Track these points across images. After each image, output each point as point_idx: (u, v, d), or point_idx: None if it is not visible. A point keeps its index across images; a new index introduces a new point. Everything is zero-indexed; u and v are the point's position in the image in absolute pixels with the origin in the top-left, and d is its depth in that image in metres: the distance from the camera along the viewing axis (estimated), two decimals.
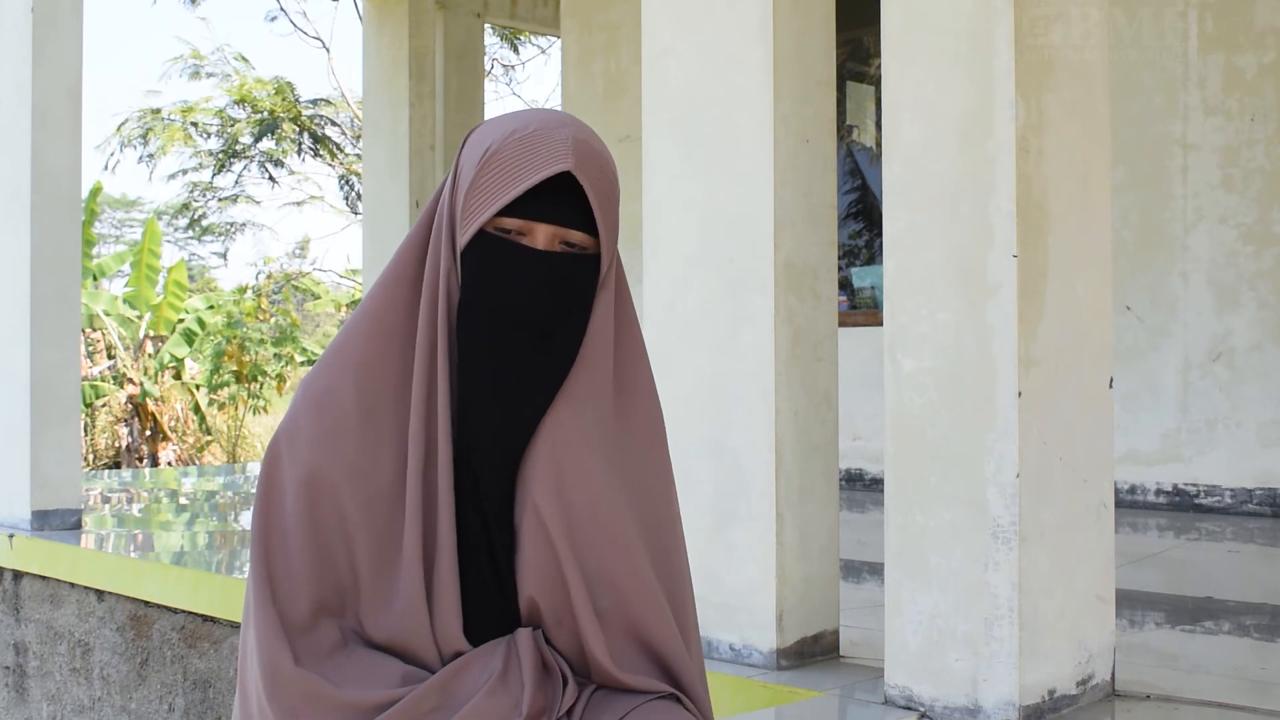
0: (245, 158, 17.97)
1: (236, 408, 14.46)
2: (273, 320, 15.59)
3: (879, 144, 5.48)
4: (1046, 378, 2.43)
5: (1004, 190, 2.38)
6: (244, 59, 17.81)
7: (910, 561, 2.49)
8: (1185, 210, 5.67)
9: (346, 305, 17.56)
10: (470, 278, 1.24)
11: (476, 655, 1.24)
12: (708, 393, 2.90)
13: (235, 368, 14.18)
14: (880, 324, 2.66)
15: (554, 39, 12.30)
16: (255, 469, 8.88)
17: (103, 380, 13.23)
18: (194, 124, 17.73)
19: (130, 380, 13.40)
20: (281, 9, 18.21)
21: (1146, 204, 5.73)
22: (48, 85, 5.06)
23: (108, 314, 13.53)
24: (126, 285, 14.45)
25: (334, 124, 17.94)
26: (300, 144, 17.58)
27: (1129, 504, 5.69)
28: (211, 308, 14.70)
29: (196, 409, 13.98)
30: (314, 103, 17.89)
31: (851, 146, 7.01)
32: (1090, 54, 2.57)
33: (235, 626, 4.06)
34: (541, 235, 1.23)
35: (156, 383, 13.59)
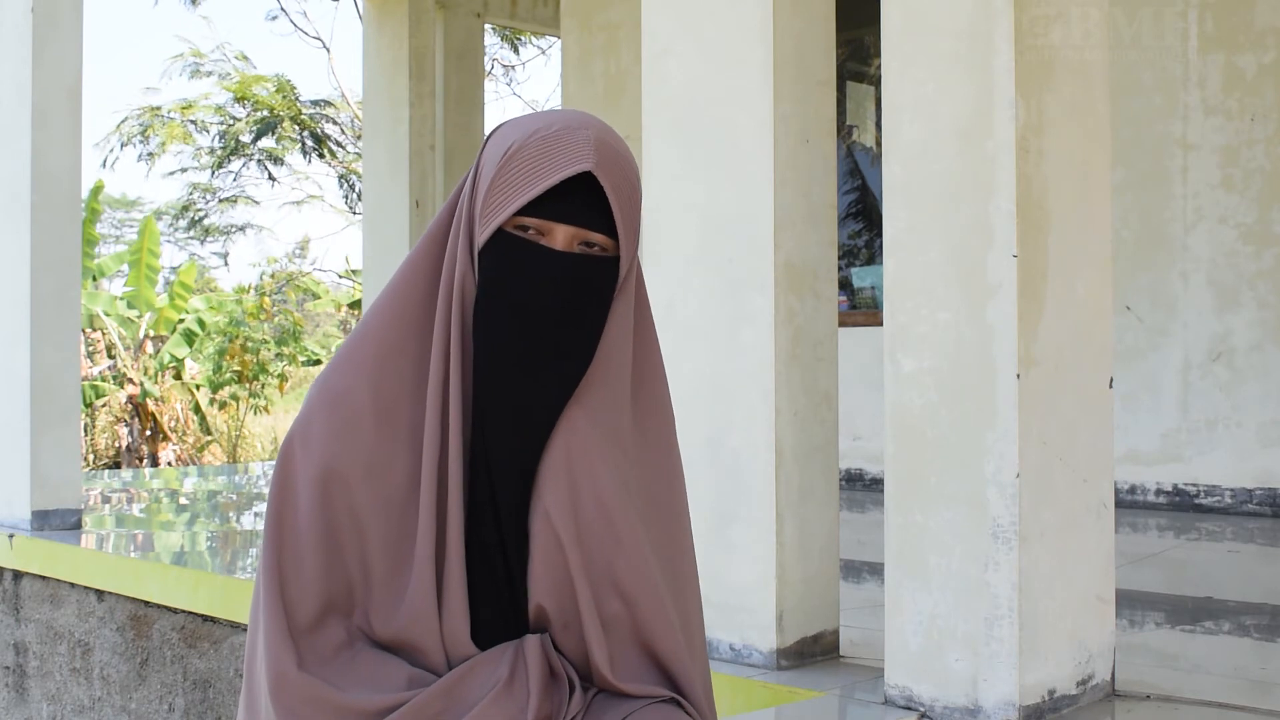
0: (245, 155, 17.97)
1: (237, 407, 14.46)
2: (275, 320, 15.59)
3: (879, 144, 5.48)
4: (1046, 378, 2.43)
5: (1004, 190, 2.38)
6: (244, 57, 17.82)
7: (910, 561, 2.49)
8: (1185, 210, 5.67)
9: (347, 305, 17.56)
10: (488, 276, 1.24)
11: (483, 660, 1.24)
12: (708, 393, 2.90)
13: (238, 367, 14.18)
14: (880, 324, 2.66)
15: (554, 39, 12.30)
16: (256, 469, 8.88)
17: (103, 380, 13.22)
18: (194, 121, 17.73)
19: (130, 380, 13.40)
20: (282, 9, 18.20)
21: (1146, 204, 5.73)
22: (48, 85, 5.06)
23: (108, 314, 13.52)
24: (126, 285, 14.44)
25: (334, 123, 17.94)
26: (303, 143, 17.58)
27: (1129, 504, 5.69)
28: (212, 308, 14.70)
29: (197, 409, 13.98)
30: (314, 103, 17.89)
31: (851, 146, 7.01)
32: (1090, 54, 2.57)
33: (235, 626, 4.06)
34: (560, 235, 1.22)
35: (157, 383, 13.59)
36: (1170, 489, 5.68)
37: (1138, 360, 5.70)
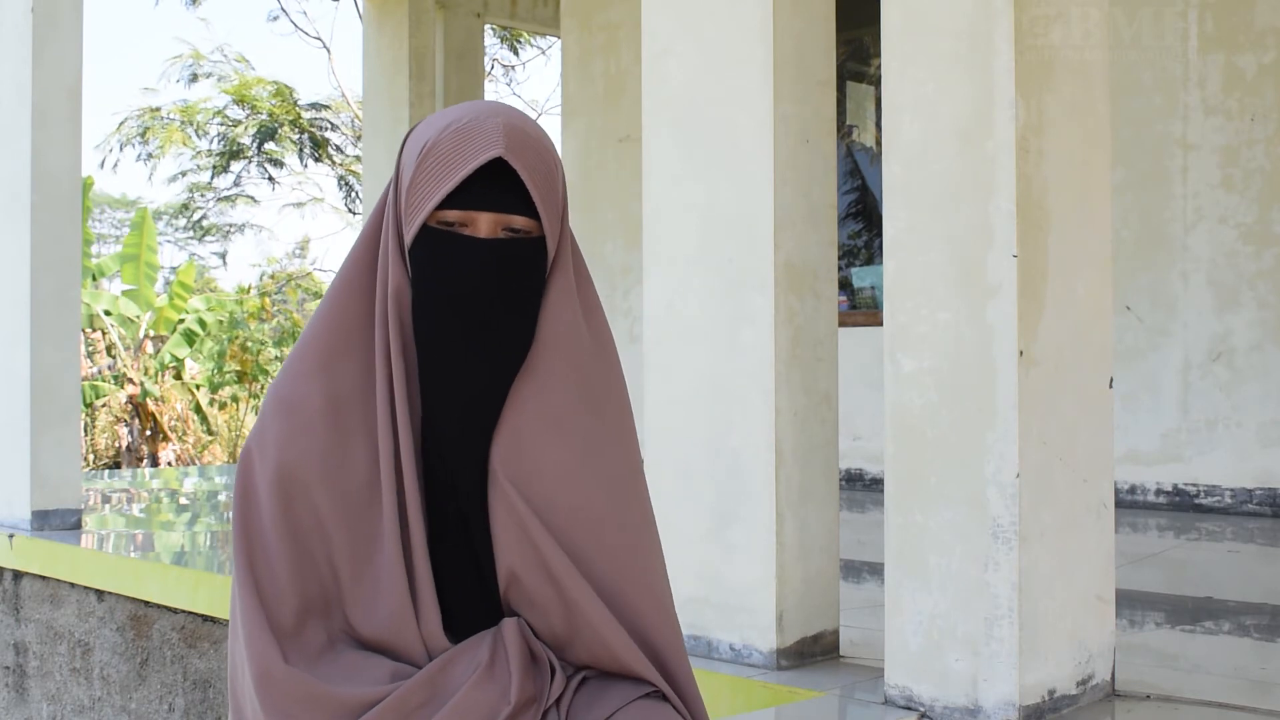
0: (245, 158, 17.97)
1: (238, 407, 14.46)
2: (276, 320, 15.59)
3: (879, 144, 5.48)
4: (1046, 378, 2.43)
5: (1004, 190, 2.38)
6: (244, 59, 17.82)
7: (910, 561, 2.49)
8: (1185, 210, 5.67)
9: None
10: (419, 272, 1.26)
11: (463, 648, 1.25)
12: (708, 393, 2.90)
13: (238, 367, 14.18)
14: (880, 324, 2.66)
15: (554, 39, 12.30)
16: None
17: (103, 380, 13.22)
18: (193, 124, 17.72)
19: (130, 380, 13.40)
20: (282, 9, 18.20)
21: (1146, 204, 5.73)
22: (48, 85, 5.06)
23: (108, 314, 13.52)
24: (124, 282, 14.43)
25: (334, 127, 17.94)
26: (301, 147, 17.59)
27: (1129, 504, 5.69)
28: (212, 308, 14.69)
29: (198, 409, 13.98)
30: (314, 106, 17.89)
31: (851, 146, 7.01)
32: (1090, 54, 2.57)
33: None
34: (483, 224, 1.24)
35: (157, 383, 13.59)
36: (1170, 489, 5.68)
37: (1138, 360, 5.70)
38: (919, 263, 2.50)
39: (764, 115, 2.82)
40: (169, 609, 4.31)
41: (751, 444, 2.81)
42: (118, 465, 13.21)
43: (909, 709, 2.46)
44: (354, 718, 1.21)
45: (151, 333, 14.06)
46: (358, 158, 17.63)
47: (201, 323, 14.04)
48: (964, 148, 2.44)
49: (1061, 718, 2.43)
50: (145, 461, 13.21)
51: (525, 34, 16.57)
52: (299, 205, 19.65)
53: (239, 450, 14.28)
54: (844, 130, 6.93)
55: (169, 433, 13.46)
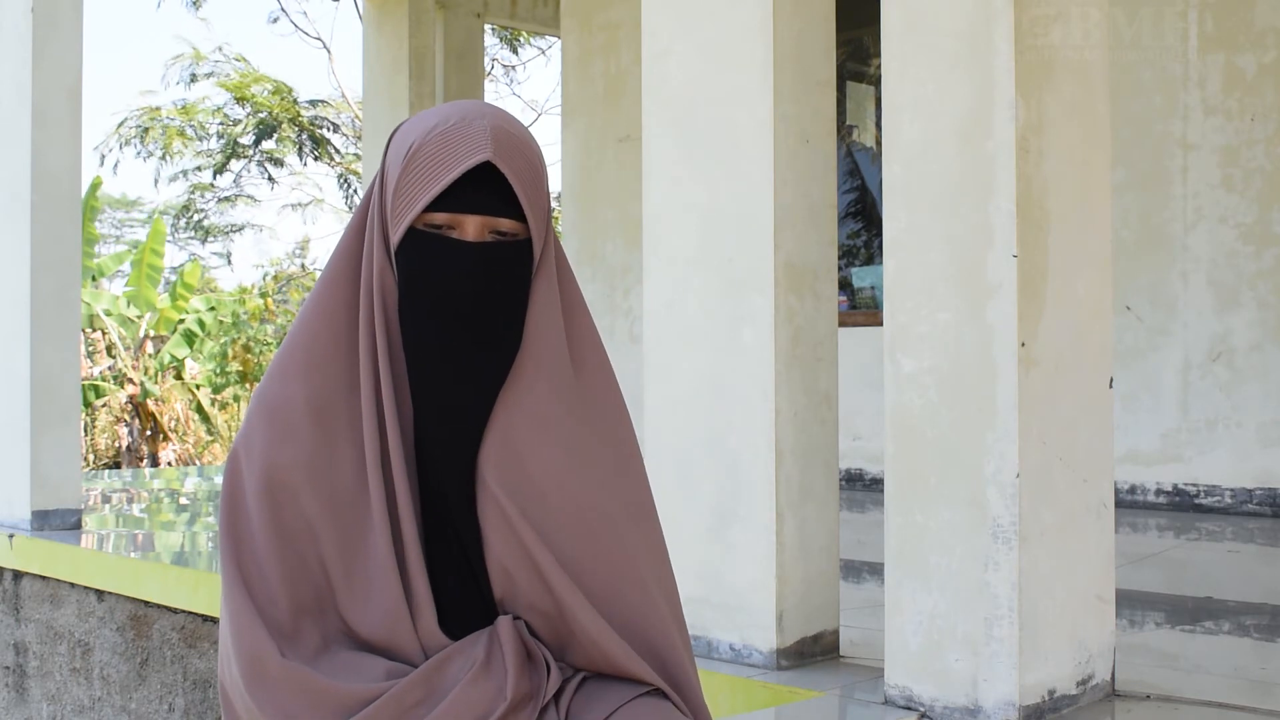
0: (245, 157, 17.97)
1: (239, 407, 14.46)
2: (278, 320, 15.59)
3: (879, 144, 5.48)
4: (1046, 378, 2.43)
5: (1004, 190, 2.38)
6: (243, 59, 17.82)
7: (910, 561, 2.49)
8: (1185, 210, 5.67)
9: None
10: (405, 275, 1.26)
11: (459, 647, 1.25)
12: (708, 393, 2.90)
13: (240, 367, 14.18)
14: (880, 324, 2.66)
15: (554, 39, 12.30)
16: None
17: (103, 380, 13.22)
18: (193, 124, 17.72)
19: (130, 380, 13.40)
20: (282, 9, 18.21)
21: (1146, 204, 5.73)
22: (48, 85, 5.06)
23: (108, 314, 13.52)
24: (127, 285, 14.44)
25: (333, 125, 17.93)
26: (300, 146, 17.58)
27: (1129, 504, 5.69)
28: (212, 308, 14.69)
29: (198, 409, 13.98)
30: (313, 104, 17.88)
31: (851, 146, 7.01)
32: (1090, 54, 2.57)
33: None
34: (470, 227, 1.24)
35: (157, 383, 13.59)
36: (1170, 489, 5.68)
37: (1138, 360, 5.70)
38: (919, 263, 2.50)
39: (764, 115, 2.82)
40: (169, 609, 4.31)
41: (751, 444, 2.81)
42: (118, 465, 13.21)
43: (909, 709, 2.46)
44: (350, 714, 1.20)
45: (152, 333, 14.06)
46: (357, 156, 17.63)
47: (201, 323, 14.03)
48: (964, 148, 2.44)
49: (1061, 718, 2.43)
50: (145, 461, 13.21)
51: (525, 34, 16.57)
52: (299, 206, 19.65)
53: None
54: (844, 130, 6.93)
55: (169, 433, 13.45)
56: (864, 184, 6.98)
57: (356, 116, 16.97)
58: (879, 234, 5.51)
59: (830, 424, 2.93)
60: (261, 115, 17.31)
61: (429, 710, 1.21)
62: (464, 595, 1.29)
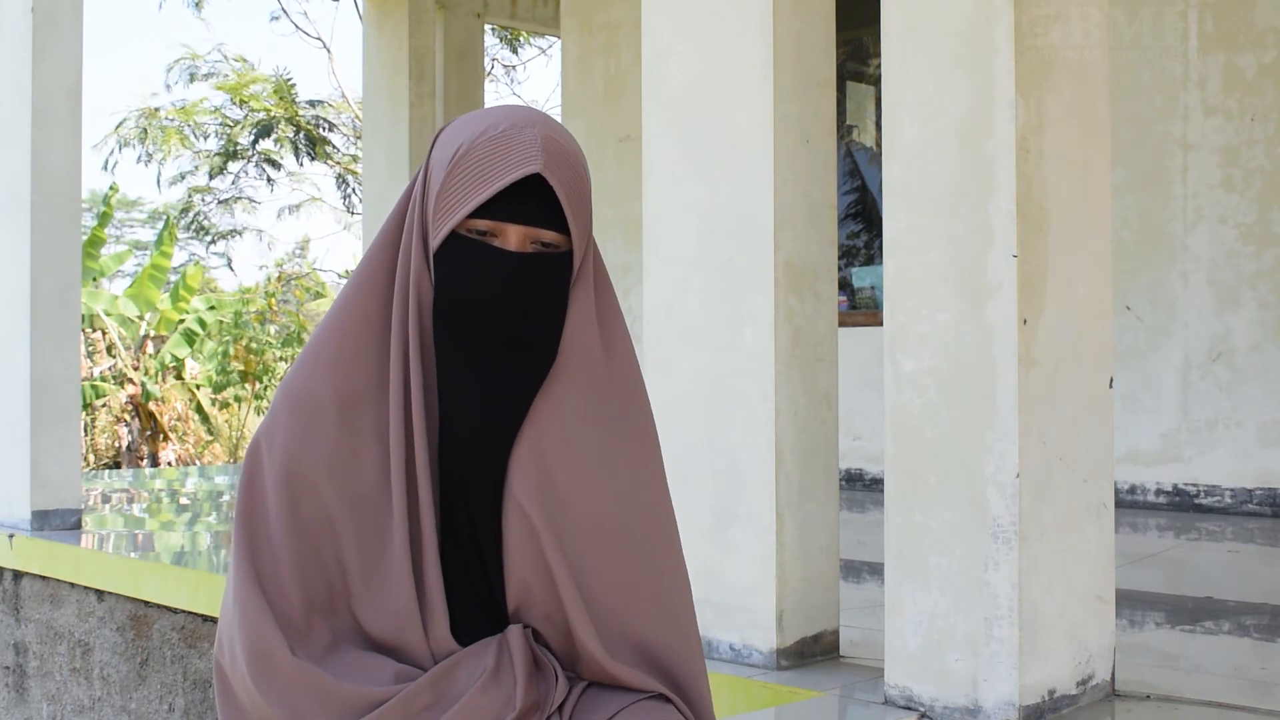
0: (243, 158, 17.97)
1: (239, 407, 14.46)
2: (281, 321, 15.59)
3: (879, 144, 5.48)
4: (1046, 378, 2.43)
5: (1004, 190, 2.38)
6: (242, 59, 17.82)
7: (910, 561, 2.49)
8: (1185, 210, 5.67)
9: None
10: (443, 279, 1.25)
11: (468, 653, 1.25)
12: (708, 393, 2.90)
13: (242, 367, 14.17)
14: (880, 324, 2.66)
15: (554, 39, 12.30)
16: None
17: (103, 380, 13.22)
18: (191, 125, 17.72)
19: (130, 380, 13.39)
20: (282, 9, 18.23)
21: (1146, 204, 5.73)
22: (48, 85, 5.06)
23: (108, 314, 13.52)
24: (130, 285, 14.43)
25: (332, 125, 17.92)
26: (297, 145, 17.58)
27: (1129, 504, 5.69)
28: (212, 308, 14.69)
29: (199, 409, 13.98)
30: (312, 103, 17.88)
31: (851, 146, 7.01)
32: (1090, 54, 2.57)
33: None
34: (513, 236, 1.23)
35: (157, 383, 13.59)
36: (1170, 489, 5.68)
37: (1138, 360, 5.70)
38: (919, 263, 2.50)
39: (764, 115, 2.82)
40: (169, 609, 4.31)
41: (751, 444, 2.81)
42: (118, 465, 13.21)
43: (909, 709, 2.46)
44: (358, 715, 1.20)
45: (152, 333, 14.06)
46: (355, 157, 17.63)
47: (201, 322, 14.03)
48: (964, 148, 2.44)
49: (1061, 718, 2.43)
50: (145, 461, 13.20)
51: (525, 34, 16.57)
52: (296, 207, 19.64)
53: (240, 450, 14.30)
54: (844, 130, 6.93)
55: (169, 433, 13.45)
56: (864, 184, 6.98)
57: (357, 116, 16.97)
58: (879, 234, 5.51)
59: (830, 424, 2.93)
60: (259, 116, 17.30)
61: (437, 715, 1.21)
62: (476, 602, 1.28)
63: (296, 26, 21.39)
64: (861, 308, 6.77)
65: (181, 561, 4.51)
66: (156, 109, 17.83)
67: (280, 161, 18.26)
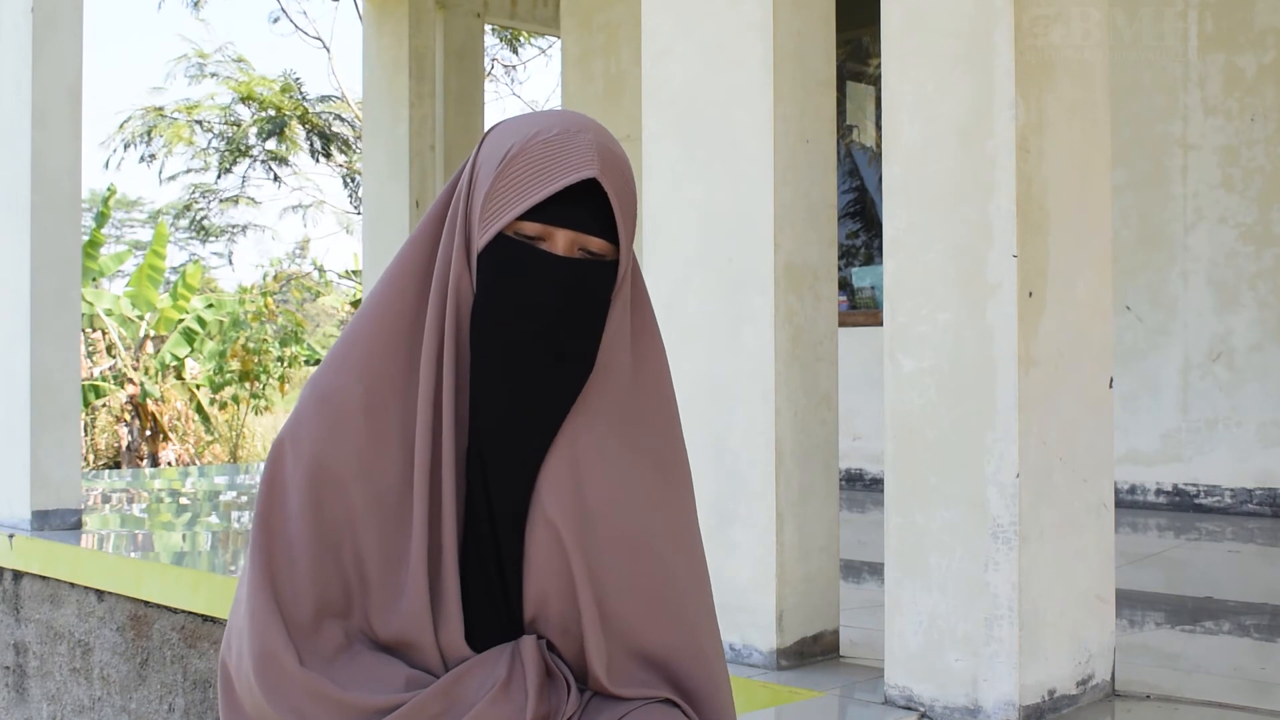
0: (250, 157, 17.97)
1: (238, 407, 14.46)
2: (280, 320, 15.58)
3: (879, 144, 5.48)
4: (1046, 378, 2.43)
5: (1004, 190, 2.38)
6: (243, 59, 17.82)
7: (910, 561, 2.49)
8: (1185, 210, 5.67)
9: (350, 304, 17.57)
10: (486, 281, 1.23)
11: (480, 661, 1.24)
12: (708, 393, 2.90)
13: (240, 366, 14.17)
14: (880, 324, 2.66)
15: (554, 39, 12.30)
16: (258, 468, 8.87)
17: (103, 380, 13.22)
18: (198, 122, 17.72)
19: (130, 380, 13.39)
20: (282, 10, 18.24)
21: (1146, 204, 5.73)
22: (48, 85, 5.06)
23: (108, 314, 13.52)
24: (128, 285, 14.43)
25: (341, 119, 17.91)
26: (312, 143, 17.56)
27: (1129, 504, 5.69)
28: (211, 307, 14.69)
29: (199, 409, 13.97)
30: (322, 99, 17.87)
31: (851, 146, 7.01)
32: (1090, 54, 2.57)
33: None
34: (561, 241, 1.22)
35: (157, 383, 13.59)
36: (1170, 489, 5.68)
37: (1138, 360, 5.70)
38: (919, 263, 2.50)
39: (764, 115, 2.82)
40: (169, 609, 4.31)
41: (751, 444, 2.81)
42: (118, 465, 13.21)
43: (909, 709, 2.46)
44: None
45: (152, 333, 14.05)
46: (358, 152, 17.61)
47: (201, 321, 14.03)
48: (964, 148, 2.44)
49: (1061, 718, 2.43)
50: (145, 461, 13.20)
51: (525, 34, 16.57)
52: (301, 208, 19.65)
53: (240, 450, 14.32)
54: (844, 130, 6.93)
55: (169, 433, 13.45)
56: (864, 184, 6.98)
57: (357, 117, 16.96)
58: (879, 234, 5.51)
59: (830, 424, 2.93)
60: (268, 114, 17.29)
61: None
62: (492, 609, 1.27)
63: (296, 27, 21.43)
64: (861, 308, 6.77)
65: (181, 561, 4.51)
66: (161, 107, 17.82)
67: (288, 159, 18.25)
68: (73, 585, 4.71)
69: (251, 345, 14.19)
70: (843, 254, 6.78)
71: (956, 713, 2.40)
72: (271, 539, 1.24)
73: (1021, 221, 2.38)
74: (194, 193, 18.98)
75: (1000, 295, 2.38)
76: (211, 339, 14.48)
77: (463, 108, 7.99)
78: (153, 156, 17.82)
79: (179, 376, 14.13)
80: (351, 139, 17.95)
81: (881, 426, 2.58)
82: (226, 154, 17.80)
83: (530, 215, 1.20)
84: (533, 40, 17.45)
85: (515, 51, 18.02)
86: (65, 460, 5.09)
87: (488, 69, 16.99)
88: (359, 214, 18.38)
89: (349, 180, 18.31)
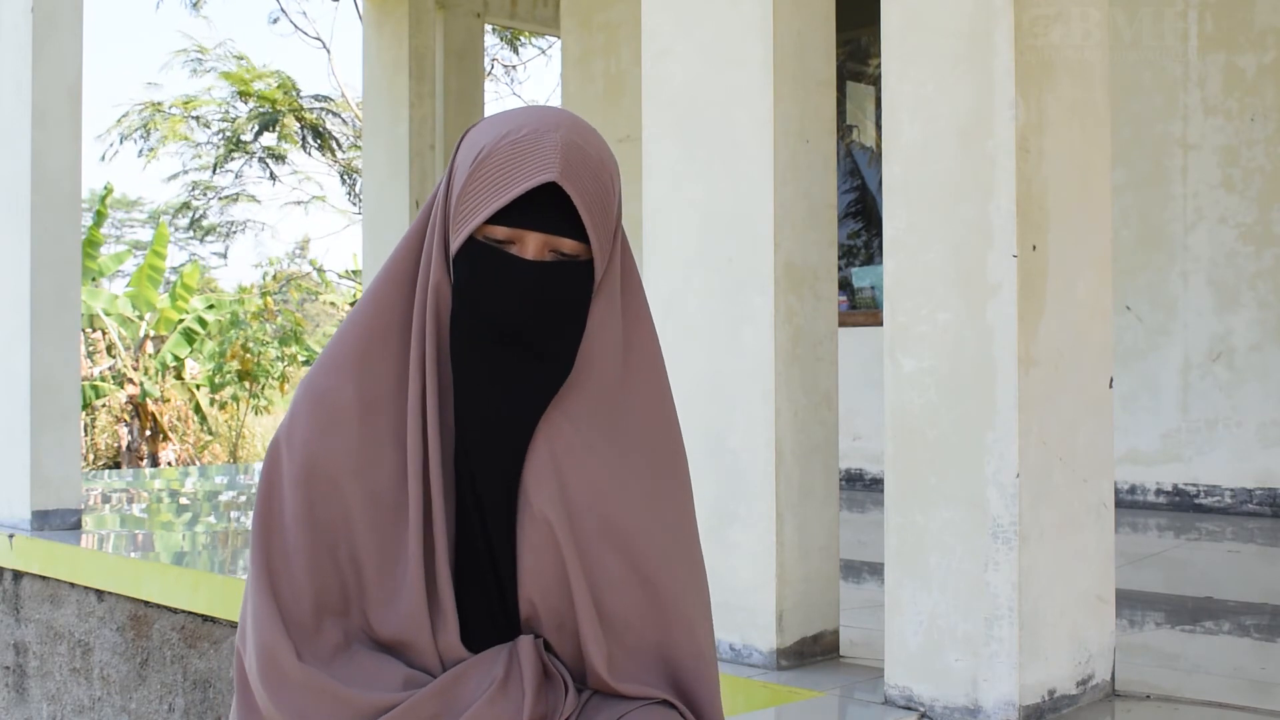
0: (246, 153, 17.96)
1: (238, 407, 14.46)
2: (278, 320, 15.58)
3: (879, 144, 5.48)
4: (1046, 378, 2.42)
5: (1004, 190, 2.38)
6: (244, 56, 17.82)
7: (910, 561, 2.49)
8: (1185, 210, 5.67)
9: (349, 304, 17.57)
10: (461, 285, 1.23)
11: (477, 661, 1.24)
12: (708, 393, 2.90)
13: (239, 366, 14.17)
14: (880, 324, 2.66)
15: (554, 39, 12.30)
16: (257, 468, 8.87)
17: (103, 380, 13.22)
18: (195, 118, 17.72)
19: (130, 380, 13.39)
20: (282, 10, 18.21)
21: (1146, 204, 5.73)
22: (48, 84, 5.06)
23: (108, 314, 13.52)
24: (128, 285, 14.44)
25: (335, 115, 17.91)
26: (304, 138, 17.57)
27: (1129, 504, 5.69)
28: (211, 307, 14.69)
29: (198, 409, 13.97)
30: (316, 97, 17.87)
31: (851, 146, 7.01)
32: (1090, 54, 2.57)
33: (235, 627, 4.06)
34: (531, 244, 1.21)
35: (157, 383, 13.59)
36: (1170, 489, 5.68)
37: (1138, 360, 5.70)
38: (919, 263, 2.50)
39: (764, 115, 2.82)
40: (169, 609, 4.31)
41: (751, 444, 2.81)
42: (118, 465, 13.21)
43: (909, 709, 2.46)
44: None
45: (152, 333, 14.05)
46: (357, 146, 17.61)
47: (201, 321, 14.03)
48: (964, 148, 2.44)
49: (1062, 718, 2.43)
50: (145, 461, 13.20)
51: (525, 34, 16.57)
52: (301, 203, 19.64)
53: (240, 450, 14.32)
54: (844, 130, 6.93)
55: (169, 433, 13.45)
56: (864, 184, 6.98)
57: (357, 117, 16.96)
58: (879, 234, 5.51)
59: (830, 424, 2.93)
60: (263, 109, 17.30)
61: None
62: (487, 608, 1.28)
63: (296, 27, 21.43)
64: (861, 308, 6.77)
65: (181, 561, 4.51)
66: (159, 103, 17.82)
67: (284, 156, 18.25)
68: (73, 585, 4.71)
69: (250, 346, 14.19)
70: (843, 254, 6.78)
71: (956, 713, 2.40)
72: (269, 541, 1.25)
73: (1021, 221, 2.38)
74: (193, 190, 18.97)
75: (1000, 295, 2.38)
76: (211, 339, 14.48)
77: (463, 108, 7.99)
78: (151, 151, 17.82)
79: (179, 376, 14.13)
80: (344, 136, 17.95)
81: (881, 426, 2.58)
82: (223, 149, 17.79)
83: (499, 218, 1.19)
84: (533, 40, 17.45)
85: (515, 51, 18.03)
86: (65, 460, 5.09)
87: (488, 69, 16.99)
88: (359, 212, 18.38)
89: (346, 177, 18.30)
